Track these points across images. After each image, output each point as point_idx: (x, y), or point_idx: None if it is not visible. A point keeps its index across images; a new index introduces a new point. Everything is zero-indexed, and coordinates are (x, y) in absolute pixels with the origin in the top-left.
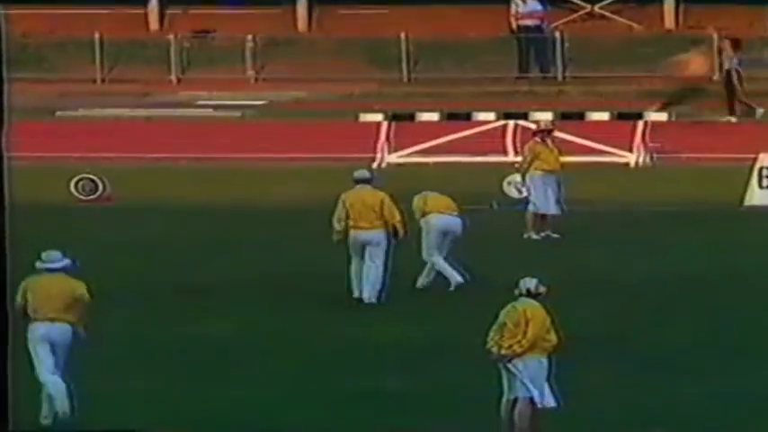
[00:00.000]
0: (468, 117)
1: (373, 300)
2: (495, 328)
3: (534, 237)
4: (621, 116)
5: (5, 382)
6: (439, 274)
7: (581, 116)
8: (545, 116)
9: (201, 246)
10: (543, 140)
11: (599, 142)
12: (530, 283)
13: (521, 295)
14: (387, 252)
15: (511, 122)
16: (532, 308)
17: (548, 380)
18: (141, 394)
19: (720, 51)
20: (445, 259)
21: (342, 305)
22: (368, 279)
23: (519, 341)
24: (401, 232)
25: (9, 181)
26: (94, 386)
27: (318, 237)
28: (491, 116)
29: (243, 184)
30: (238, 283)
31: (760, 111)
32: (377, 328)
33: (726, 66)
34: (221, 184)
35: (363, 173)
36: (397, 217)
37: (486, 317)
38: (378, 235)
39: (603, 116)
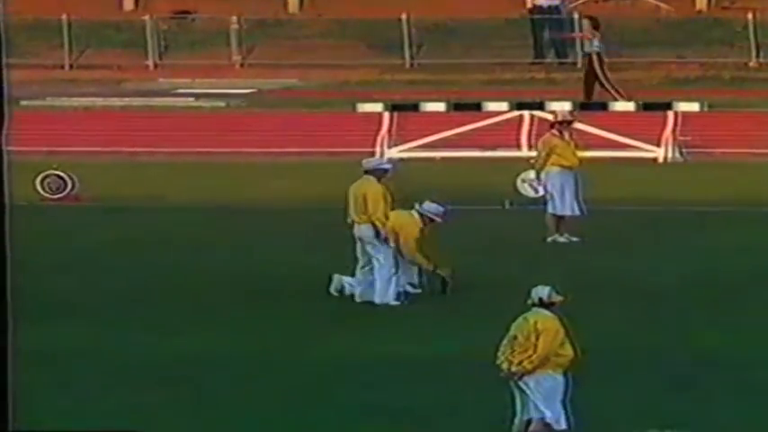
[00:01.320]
0: (477, 107)
1: (381, 300)
2: (505, 342)
3: (560, 240)
4: (648, 106)
5: (5, 382)
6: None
7: (603, 106)
8: (563, 106)
9: (181, 250)
10: (561, 133)
11: (623, 135)
12: (542, 291)
13: (533, 305)
14: (387, 249)
15: (525, 113)
16: (544, 319)
17: (563, 400)
18: (110, 415)
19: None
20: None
21: (337, 314)
22: (365, 277)
23: (529, 356)
24: (381, 231)
25: (9, 180)
26: (59, 403)
27: (312, 238)
28: (503, 106)
29: (228, 181)
30: (221, 290)
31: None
32: (374, 338)
33: (586, 49)
34: (204, 182)
35: (368, 162)
36: (377, 213)
37: (496, 329)
38: (365, 229)
39: (628, 106)
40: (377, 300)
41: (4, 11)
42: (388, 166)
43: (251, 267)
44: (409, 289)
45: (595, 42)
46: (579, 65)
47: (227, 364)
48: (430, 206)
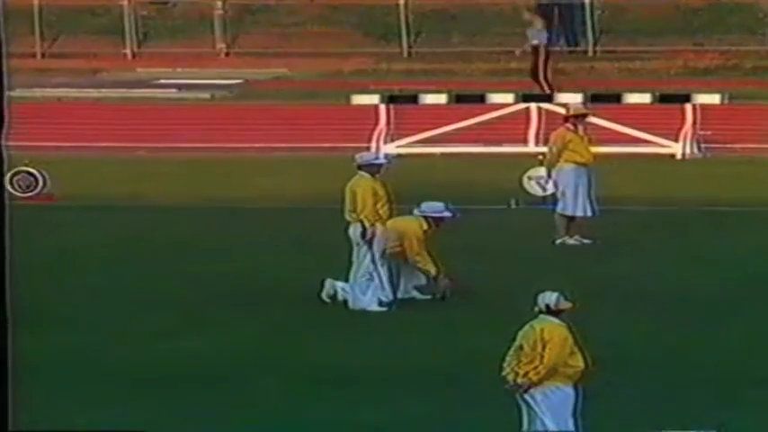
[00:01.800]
0: (481, 99)
1: (356, 304)
2: (511, 352)
3: (570, 242)
4: (665, 98)
5: (5, 382)
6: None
7: (617, 98)
8: (573, 98)
9: (163, 252)
10: (576, 127)
11: (638, 129)
12: (550, 297)
13: (540, 312)
14: (367, 251)
15: (532, 105)
16: (551, 327)
17: (573, 414)
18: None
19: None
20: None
21: (328, 321)
22: (354, 277)
23: (535, 367)
24: (367, 230)
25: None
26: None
27: (303, 239)
28: (508, 98)
29: (213, 178)
30: (204, 294)
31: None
32: (365, 348)
33: (533, 41)
34: (187, 179)
35: (361, 157)
36: (365, 211)
37: (499, 338)
38: (354, 230)
39: (644, 98)
40: (351, 304)
41: (3, 11)
42: (382, 161)
43: (236, 270)
44: (416, 295)
45: (544, 34)
46: (590, 53)
47: (210, 370)
48: (429, 206)
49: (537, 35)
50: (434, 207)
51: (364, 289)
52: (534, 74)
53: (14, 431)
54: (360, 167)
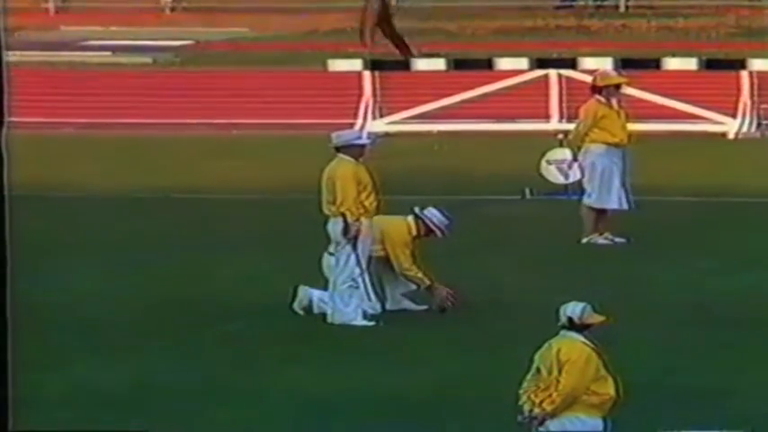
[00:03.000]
0: (488, 65)
1: (338, 318)
2: (529, 377)
3: (600, 241)
4: (714, 64)
5: (5, 382)
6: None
7: (655, 64)
8: (601, 64)
9: (103, 253)
10: (608, 100)
11: (682, 102)
12: (573, 309)
13: (562, 328)
14: (350, 252)
15: (551, 72)
16: (571, 346)
17: None
18: None
19: None
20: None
21: (301, 338)
22: (334, 284)
23: (550, 395)
24: (350, 226)
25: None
26: None
27: (273, 236)
28: (521, 63)
29: (161, 162)
30: (156, 306)
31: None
32: (346, 370)
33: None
34: (129, 163)
35: (338, 137)
36: (346, 203)
37: (511, 359)
38: (334, 225)
39: (688, 63)
40: (330, 318)
41: (4, 12)
42: (364, 140)
43: (192, 275)
44: (408, 306)
45: None
46: (622, 8)
47: (166, 395)
48: (433, 213)
49: None
50: (438, 216)
51: (347, 299)
52: (394, 36)
53: (14, 431)
54: (338, 149)
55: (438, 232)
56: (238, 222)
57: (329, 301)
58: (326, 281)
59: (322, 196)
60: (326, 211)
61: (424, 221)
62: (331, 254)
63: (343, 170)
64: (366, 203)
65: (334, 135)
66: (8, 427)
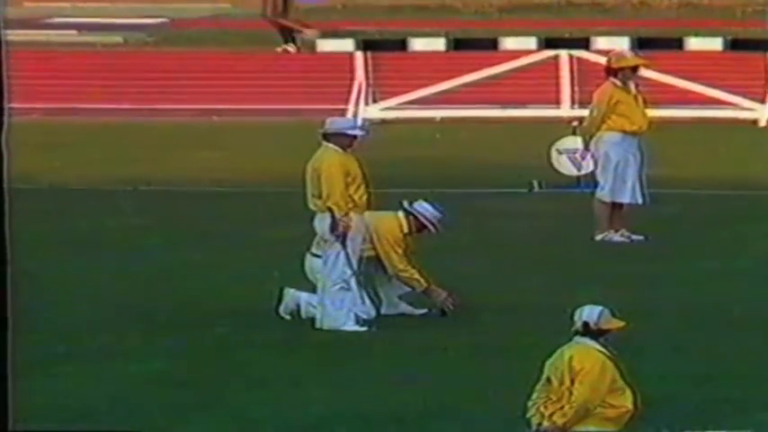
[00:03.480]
0: (493, 45)
1: (328, 323)
2: (538, 387)
3: (615, 238)
4: (741, 44)
5: (5, 382)
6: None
7: (676, 43)
8: (617, 44)
9: (70, 252)
10: (624, 84)
11: (705, 86)
12: (590, 313)
13: (576, 333)
14: (339, 251)
15: (562, 53)
16: (584, 353)
17: None
18: None
19: None
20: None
21: (287, 345)
22: (323, 286)
23: (561, 407)
24: (338, 222)
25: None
26: None
27: (255, 234)
28: (529, 43)
29: (127, 152)
30: (128, 311)
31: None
32: (336, 382)
33: None
34: (98, 153)
35: (330, 124)
36: (334, 196)
37: (517, 368)
38: (319, 222)
39: (712, 43)
40: (319, 323)
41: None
42: (357, 131)
43: (160, 275)
44: (405, 309)
45: None
46: None
47: (140, 410)
48: (424, 207)
49: None
50: (429, 211)
51: (337, 302)
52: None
53: (14, 431)
54: (326, 137)
55: (431, 227)
56: (217, 218)
57: (318, 305)
58: (312, 284)
59: (307, 190)
60: (312, 206)
61: (415, 217)
62: (314, 254)
63: (329, 161)
64: (355, 197)
65: (328, 121)
66: (8, 428)
